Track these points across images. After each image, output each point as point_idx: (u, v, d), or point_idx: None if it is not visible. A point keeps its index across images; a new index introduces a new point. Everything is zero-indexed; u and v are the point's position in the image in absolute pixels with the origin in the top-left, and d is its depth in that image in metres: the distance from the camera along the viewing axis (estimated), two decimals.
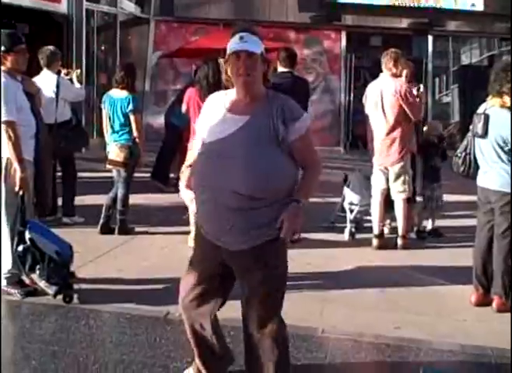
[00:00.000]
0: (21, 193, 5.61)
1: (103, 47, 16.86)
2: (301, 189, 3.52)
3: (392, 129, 7.34)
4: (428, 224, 8.27)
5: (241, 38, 3.39)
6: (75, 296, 5.61)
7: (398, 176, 7.44)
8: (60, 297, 5.54)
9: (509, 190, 5.38)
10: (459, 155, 5.81)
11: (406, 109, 7.28)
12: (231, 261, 3.56)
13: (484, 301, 5.71)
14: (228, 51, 3.45)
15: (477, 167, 5.71)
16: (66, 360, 4.56)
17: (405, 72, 7.65)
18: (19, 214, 5.66)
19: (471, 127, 5.80)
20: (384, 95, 7.36)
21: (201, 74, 7.36)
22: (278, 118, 3.38)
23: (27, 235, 5.61)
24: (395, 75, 7.44)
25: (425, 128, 8.32)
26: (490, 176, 5.57)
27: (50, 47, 8.51)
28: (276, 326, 3.60)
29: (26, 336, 4.96)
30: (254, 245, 3.42)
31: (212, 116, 3.56)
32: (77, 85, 8.71)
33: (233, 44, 3.42)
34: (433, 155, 8.08)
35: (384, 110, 7.36)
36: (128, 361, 4.51)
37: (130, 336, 4.96)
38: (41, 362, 4.49)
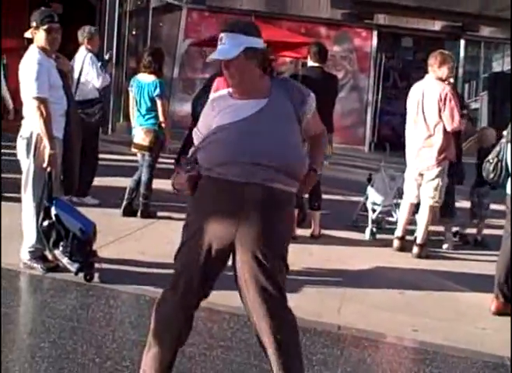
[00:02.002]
0: (49, 169, 5.66)
1: (134, 32, 16.90)
2: (317, 158, 3.70)
3: (433, 132, 7.18)
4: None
5: (220, 40, 3.36)
6: (96, 275, 5.66)
7: (431, 181, 7.28)
8: (81, 274, 5.60)
9: None
10: (491, 160, 5.75)
11: (442, 115, 7.11)
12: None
13: (504, 311, 5.68)
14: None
15: (507, 175, 5.65)
16: (84, 336, 4.60)
17: (446, 72, 7.28)
18: (46, 190, 5.73)
19: (504, 133, 5.74)
20: (426, 97, 7.19)
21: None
22: (295, 99, 3.42)
23: (53, 211, 5.68)
24: (440, 78, 7.24)
25: (476, 135, 8.16)
26: None
27: (91, 27, 8.63)
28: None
29: (46, 310, 5.02)
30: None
31: (221, 108, 3.47)
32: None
33: (213, 54, 3.40)
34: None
35: (424, 113, 7.20)
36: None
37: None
38: (60, 337, 4.54)
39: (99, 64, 8.56)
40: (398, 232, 7.52)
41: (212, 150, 3.41)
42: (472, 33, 16.82)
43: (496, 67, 17.89)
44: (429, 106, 7.17)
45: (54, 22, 5.82)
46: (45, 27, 5.73)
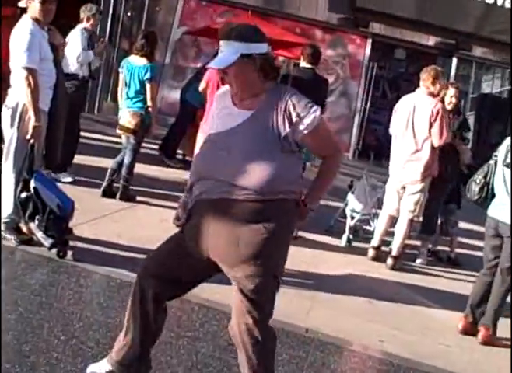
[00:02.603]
0: (32, 141, 5.61)
1: (129, 13, 16.77)
2: (314, 190, 3.52)
3: (420, 147, 7.19)
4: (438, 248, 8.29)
5: (220, 48, 3.34)
6: (70, 252, 5.62)
7: (413, 195, 7.29)
8: (54, 250, 5.56)
9: None
10: (477, 181, 5.74)
11: (432, 131, 7.11)
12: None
13: (470, 331, 5.72)
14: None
15: (492, 197, 5.66)
16: (52, 313, 4.58)
17: (438, 88, 7.35)
18: (27, 162, 5.66)
19: (496, 154, 5.72)
20: (417, 111, 7.19)
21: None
22: (283, 115, 3.29)
23: (32, 184, 5.62)
24: (432, 94, 7.26)
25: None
26: (506, 209, 5.45)
27: (95, 6, 8.57)
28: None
29: (15, 282, 4.97)
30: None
31: (219, 108, 3.52)
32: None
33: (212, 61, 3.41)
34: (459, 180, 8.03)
35: (413, 127, 7.19)
36: (112, 325, 4.52)
37: (117, 302, 4.97)
38: (27, 310, 4.50)
39: (88, 42, 8.50)
40: (375, 242, 7.53)
41: (194, 164, 3.53)
42: (465, 51, 16.90)
43: (486, 88, 17.98)
44: (419, 121, 7.17)
45: None
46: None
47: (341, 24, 16.78)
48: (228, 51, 3.29)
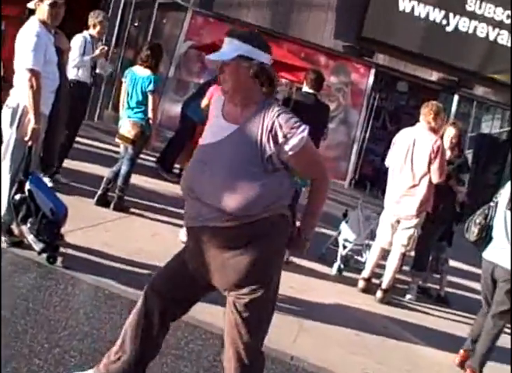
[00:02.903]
0: (30, 143, 5.57)
1: (136, 23, 16.78)
2: (307, 218, 3.47)
3: (418, 182, 7.15)
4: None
5: (224, 43, 3.32)
6: (59, 259, 5.55)
7: (407, 230, 7.25)
8: (44, 255, 5.49)
9: None
10: (477, 222, 5.69)
11: (432, 167, 7.08)
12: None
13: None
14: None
15: (490, 239, 5.61)
16: (37, 319, 4.50)
17: (440, 124, 7.35)
18: (23, 163, 5.62)
19: (497, 196, 5.67)
20: (417, 146, 7.14)
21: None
22: (268, 134, 3.21)
23: (27, 186, 5.58)
24: (433, 129, 7.23)
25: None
26: (505, 253, 5.42)
27: (105, 13, 8.55)
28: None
29: (2, 285, 4.89)
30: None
31: (211, 117, 3.46)
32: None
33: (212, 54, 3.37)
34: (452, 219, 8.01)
35: (412, 161, 7.15)
36: (97, 336, 4.46)
37: (104, 313, 4.91)
38: (12, 314, 4.43)
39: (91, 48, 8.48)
40: (365, 273, 7.47)
41: (183, 178, 3.49)
42: (467, 90, 16.97)
43: (485, 128, 18.02)
44: (419, 156, 7.12)
45: None
46: (49, 1, 5.67)
47: (346, 52, 16.83)
48: (228, 48, 3.27)
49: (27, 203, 5.57)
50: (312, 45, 16.69)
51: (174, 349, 4.64)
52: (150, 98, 7.95)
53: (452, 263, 8.51)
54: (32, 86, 5.47)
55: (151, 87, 7.94)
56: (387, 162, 7.54)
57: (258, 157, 3.21)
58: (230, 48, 3.25)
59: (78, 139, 9.82)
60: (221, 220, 3.20)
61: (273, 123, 3.22)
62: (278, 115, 3.23)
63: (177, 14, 16.99)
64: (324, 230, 8.67)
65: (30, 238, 5.55)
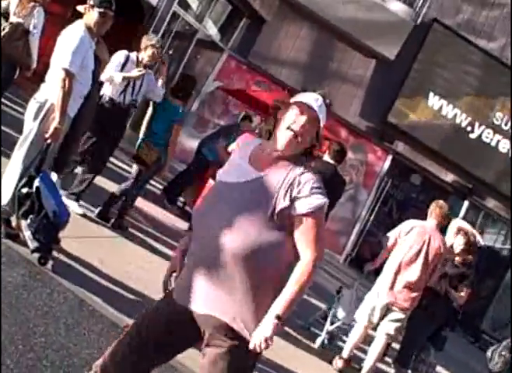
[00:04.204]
0: (49, 141, 5.50)
1: (170, 52, 16.85)
2: (284, 298, 3.02)
3: (424, 278, 7.12)
4: None
5: (316, 100, 3.12)
6: (51, 262, 5.35)
7: (396, 322, 7.14)
8: (36, 255, 5.29)
9: None
10: (501, 353, 5.56)
11: (434, 266, 7.13)
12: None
13: None
14: (293, 100, 3.17)
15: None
16: (16, 318, 4.32)
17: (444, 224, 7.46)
18: (37, 159, 5.54)
19: None
20: (431, 244, 7.11)
21: (266, 128, 7.24)
22: (287, 188, 3.04)
23: (36, 183, 5.43)
24: (441, 230, 7.30)
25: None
26: None
27: (158, 38, 8.06)
28: None
29: None
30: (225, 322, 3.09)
31: (235, 158, 3.30)
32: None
33: (303, 97, 3.15)
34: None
35: (427, 258, 7.07)
36: (72, 351, 4.28)
37: (83, 329, 4.71)
38: None
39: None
40: (345, 353, 7.28)
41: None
42: (479, 199, 16.97)
43: (489, 240, 17.89)
44: (432, 253, 7.09)
45: (110, 9, 5.82)
46: (101, 10, 5.72)
47: (367, 132, 16.87)
48: (322, 109, 3.12)
49: (32, 199, 5.44)
50: (336, 116, 16.71)
51: None
52: (175, 128, 7.89)
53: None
54: (64, 86, 5.45)
55: (178, 117, 7.87)
56: (391, 237, 7.41)
57: (271, 209, 3.03)
58: (323, 110, 3.13)
59: None
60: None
61: (295, 178, 3.06)
62: (303, 174, 3.08)
63: (212, 53, 17.10)
64: (313, 300, 8.48)
65: (27, 234, 5.38)
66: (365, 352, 7.46)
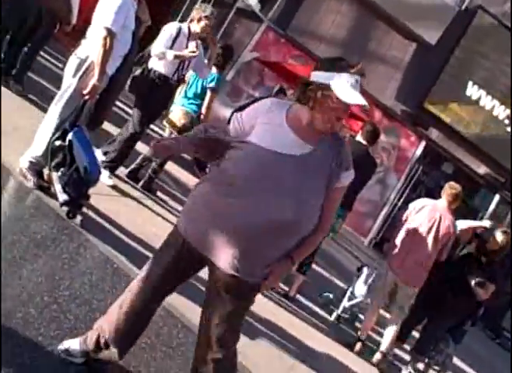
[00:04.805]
0: (86, 97, 5.50)
1: (236, 26, 16.77)
2: (303, 247, 3.31)
3: (433, 256, 7.11)
4: None
5: (357, 82, 3.16)
6: (79, 217, 5.34)
7: (406, 296, 7.20)
8: (65, 209, 5.27)
9: None
10: None
11: (443, 244, 7.12)
12: (212, 276, 3.34)
13: None
14: (337, 88, 3.14)
15: None
16: (41, 269, 4.34)
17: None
18: (73, 114, 5.53)
19: None
20: (442, 223, 7.09)
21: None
22: (336, 161, 3.21)
23: (69, 136, 5.41)
24: (451, 210, 7.24)
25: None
26: None
27: (211, 8, 7.40)
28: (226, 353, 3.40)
29: (17, 224, 4.70)
30: (246, 280, 3.25)
31: (268, 122, 3.24)
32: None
33: (347, 80, 3.14)
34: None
35: (437, 236, 7.06)
36: (96, 307, 4.27)
37: (107, 285, 4.70)
38: (20, 256, 4.28)
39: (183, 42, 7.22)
40: (362, 335, 7.24)
41: (232, 163, 3.23)
42: (509, 193, 16.73)
43: None
44: (443, 231, 7.08)
45: None
46: None
47: (402, 116, 16.67)
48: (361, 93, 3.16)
49: (64, 152, 5.43)
50: (371, 98, 16.51)
51: (165, 346, 4.44)
52: (209, 94, 7.87)
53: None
54: (105, 45, 5.44)
55: (213, 84, 7.85)
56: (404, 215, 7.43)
57: (327, 179, 3.21)
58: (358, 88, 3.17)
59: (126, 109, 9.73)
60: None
61: (340, 151, 3.24)
62: (344, 146, 3.28)
63: (251, 23, 16.92)
64: (336, 280, 8.44)
65: (58, 187, 5.37)
66: (380, 334, 7.42)
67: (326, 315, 7.70)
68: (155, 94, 7.13)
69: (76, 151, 5.42)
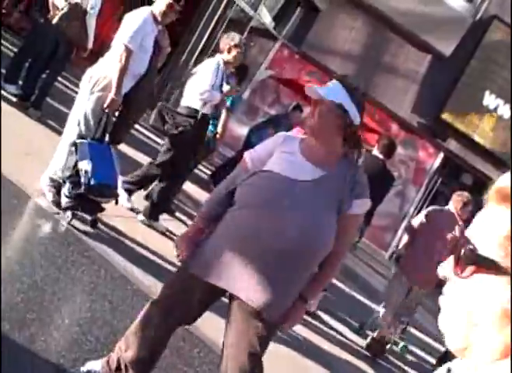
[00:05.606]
0: (107, 110, 5.63)
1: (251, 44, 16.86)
2: (315, 284, 3.34)
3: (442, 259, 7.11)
4: None
5: (330, 83, 3.23)
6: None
7: (416, 298, 7.49)
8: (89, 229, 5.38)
9: None
10: None
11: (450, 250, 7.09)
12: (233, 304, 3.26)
13: None
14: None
15: None
16: (66, 292, 4.39)
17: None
18: (100, 128, 5.68)
19: None
20: (451, 229, 7.13)
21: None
22: (349, 187, 3.17)
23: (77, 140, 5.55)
24: (461, 218, 7.35)
25: None
26: None
27: (239, 36, 7.18)
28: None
29: (35, 247, 4.75)
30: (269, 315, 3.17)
31: (282, 151, 3.28)
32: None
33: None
34: None
35: (445, 243, 7.09)
36: (116, 329, 4.27)
37: (127, 306, 4.72)
38: (35, 264, 4.41)
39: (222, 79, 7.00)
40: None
41: (246, 189, 3.26)
42: None
43: None
44: (449, 240, 7.03)
45: (178, 2, 5.98)
46: (170, 1, 5.90)
47: (419, 128, 16.64)
48: (334, 90, 3.19)
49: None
50: (388, 111, 16.51)
51: (186, 365, 4.44)
52: (224, 114, 7.89)
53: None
54: (121, 60, 5.62)
55: (229, 104, 7.85)
56: (414, 223, 7.71)
57: (339, 205, 3.17)
58: (336, 90, 3.18)
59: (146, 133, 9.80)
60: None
61: (355, 176, 3.21)
62: (360, 171, 3.26)
63: (266, 41, 17.01)
64: (366, 301, 8.39)
65: (63, 191, 5.47)
66: None
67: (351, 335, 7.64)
68: (199, 132, 6.90)
69: (80, 153, 5.48)
